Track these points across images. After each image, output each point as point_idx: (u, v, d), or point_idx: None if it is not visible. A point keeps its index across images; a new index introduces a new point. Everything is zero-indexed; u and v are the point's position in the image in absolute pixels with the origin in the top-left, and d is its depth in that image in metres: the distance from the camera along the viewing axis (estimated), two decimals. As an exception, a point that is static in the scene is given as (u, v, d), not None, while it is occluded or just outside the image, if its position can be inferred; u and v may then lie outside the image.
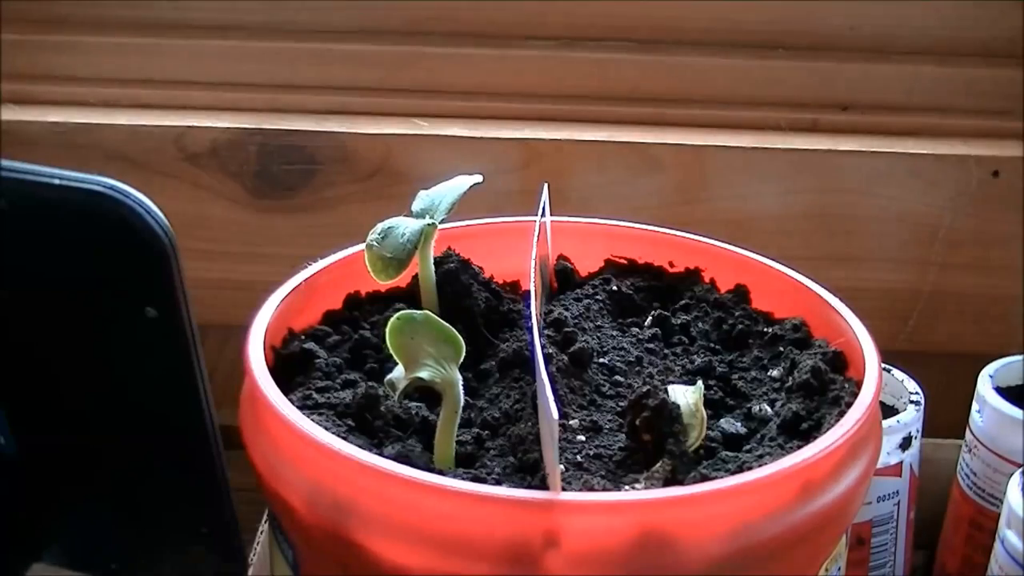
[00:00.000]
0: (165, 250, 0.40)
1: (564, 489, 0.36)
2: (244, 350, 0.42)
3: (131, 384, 0.45)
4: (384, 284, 0.48)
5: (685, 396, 0.40)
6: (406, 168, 0.68)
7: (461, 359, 0.40)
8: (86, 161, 0.68)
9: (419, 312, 0.40)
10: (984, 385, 0.59)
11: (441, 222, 0.47)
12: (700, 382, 0.41)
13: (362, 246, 0.47)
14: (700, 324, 0.50)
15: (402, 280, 0.48)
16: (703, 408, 0.40)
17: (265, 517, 0.55)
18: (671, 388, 0.41)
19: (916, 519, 0.59)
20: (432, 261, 0.48)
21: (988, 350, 0.62)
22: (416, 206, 0.48)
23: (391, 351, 0.40)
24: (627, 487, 0.38)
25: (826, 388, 0.43)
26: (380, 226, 0.47)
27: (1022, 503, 0.49)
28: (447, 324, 0.40)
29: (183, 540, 0.48)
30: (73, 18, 0.72)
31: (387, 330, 0.39)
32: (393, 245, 0.46)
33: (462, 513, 0.34)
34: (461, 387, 0.40)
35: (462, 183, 0.48)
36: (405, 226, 0.46)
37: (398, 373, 0.40)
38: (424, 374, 0.39)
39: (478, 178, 0.48)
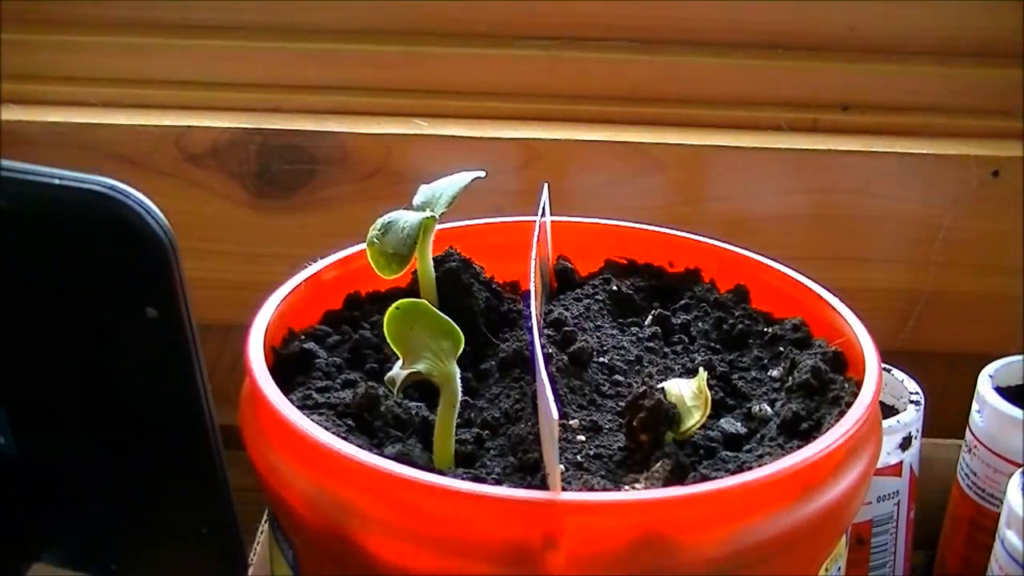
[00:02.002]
0: (165, 250, 0.40)
1: (564, 489, 0.36)
2: (244, 350, 0.42)
3: (131, 384, 0.45)
4: (384, 283, 0.48)
5: (688, 385, 0.40)
6: (406, 168, 0.68)
7: (459, 352, 0.40)
8: (86, 161, 0.68)
9: (420, 301, 0.40)
10: (984, 385, 0.59)
11: (441, 215, 0.47)
12: (703, 370, 0.41)
13: (362, 246, 0.47)
14: (700, 324, 0.50)
15: (402, 279, 0.48)
16: (707, 390, 0.40)
17: (265, 517, 0.55)
18: (670, 381, 0.41)
19: (916, 519, 0.59)
20: (431, 256, 0.48)
21: (988, 350, 0.62)
22: (417, 199, 0.48)
23: (389, 340, 0.39)
24: (627, 487, 0.38)
25: (826, 388, 0.43)
26: (380, 221, 0.47)
27: (1022, 503, 0.49)
28: (446, 317, 0.40)
29: (183, 540, 0.48)
30: (73, 18, 0.72)
31: (386, 318, 0.39)
32: (394, 240, 0.46)
33: (462, 513, 0.34)
34: (459, 381, 0.40)
35: (463, 177, 0.48)
36: (405, 220, 0.46)
37: (397, 369, 0.40)
38: (421, 367, 0.39)
39: (480, 172, 0.48)
